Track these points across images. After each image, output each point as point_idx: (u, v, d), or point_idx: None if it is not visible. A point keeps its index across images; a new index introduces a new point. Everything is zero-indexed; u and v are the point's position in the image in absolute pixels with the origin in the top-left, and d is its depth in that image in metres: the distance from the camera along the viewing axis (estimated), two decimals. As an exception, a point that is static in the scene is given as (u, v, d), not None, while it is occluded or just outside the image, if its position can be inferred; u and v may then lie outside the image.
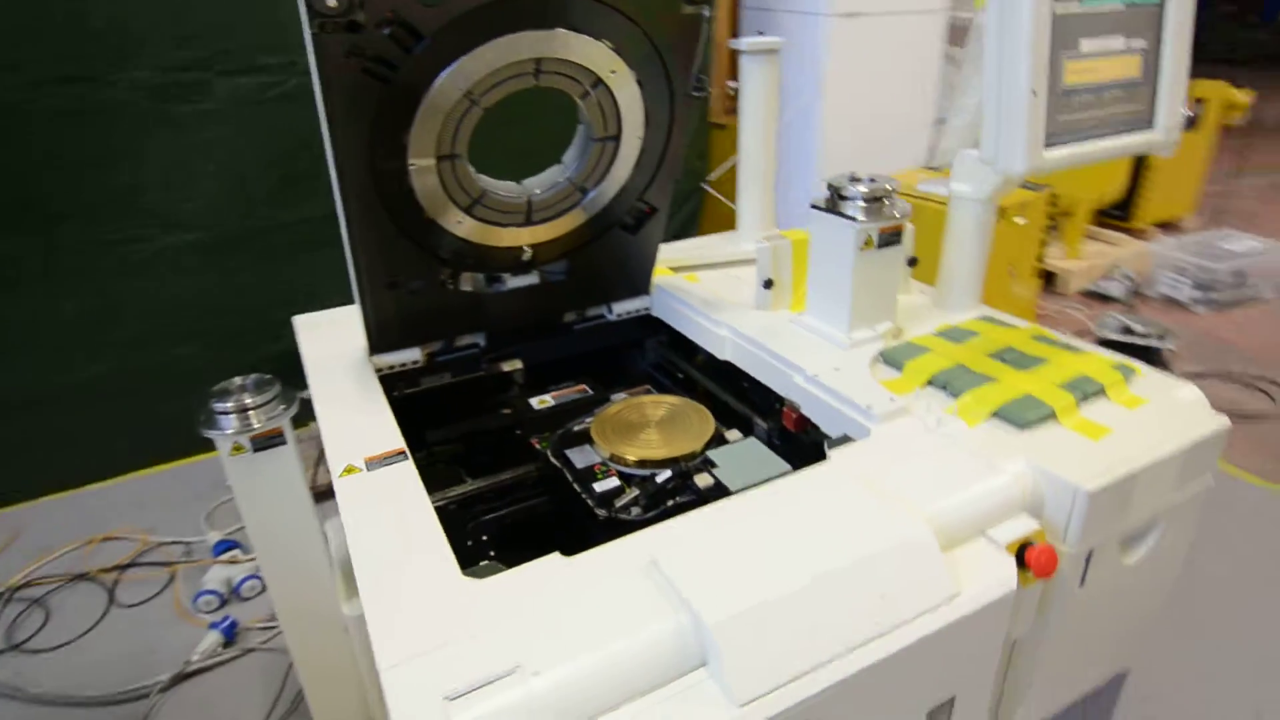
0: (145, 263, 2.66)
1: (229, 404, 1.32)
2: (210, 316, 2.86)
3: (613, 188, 1.39)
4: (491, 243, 1.35)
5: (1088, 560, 1.03)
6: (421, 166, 1.17)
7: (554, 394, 1.55)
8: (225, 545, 2.49)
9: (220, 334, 2.90)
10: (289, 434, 1.39)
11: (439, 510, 1.33)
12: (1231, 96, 4.77)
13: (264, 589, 2.36)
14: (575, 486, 1.28)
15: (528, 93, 1.22)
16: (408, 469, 1.07)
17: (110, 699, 1.98)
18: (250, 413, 1.34)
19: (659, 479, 1.25)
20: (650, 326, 1.72)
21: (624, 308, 1.66)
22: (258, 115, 2.62)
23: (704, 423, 1.37)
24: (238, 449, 1.36)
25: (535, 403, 1.52)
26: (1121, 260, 4.27)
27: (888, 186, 1.28)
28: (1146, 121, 1.10)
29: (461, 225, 1.29)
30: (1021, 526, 0.96)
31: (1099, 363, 1.20)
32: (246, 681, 2.05)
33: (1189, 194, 5.00)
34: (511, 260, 1.42)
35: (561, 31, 1.13)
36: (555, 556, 0.89)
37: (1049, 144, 1.02)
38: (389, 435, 1.16)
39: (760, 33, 1.76)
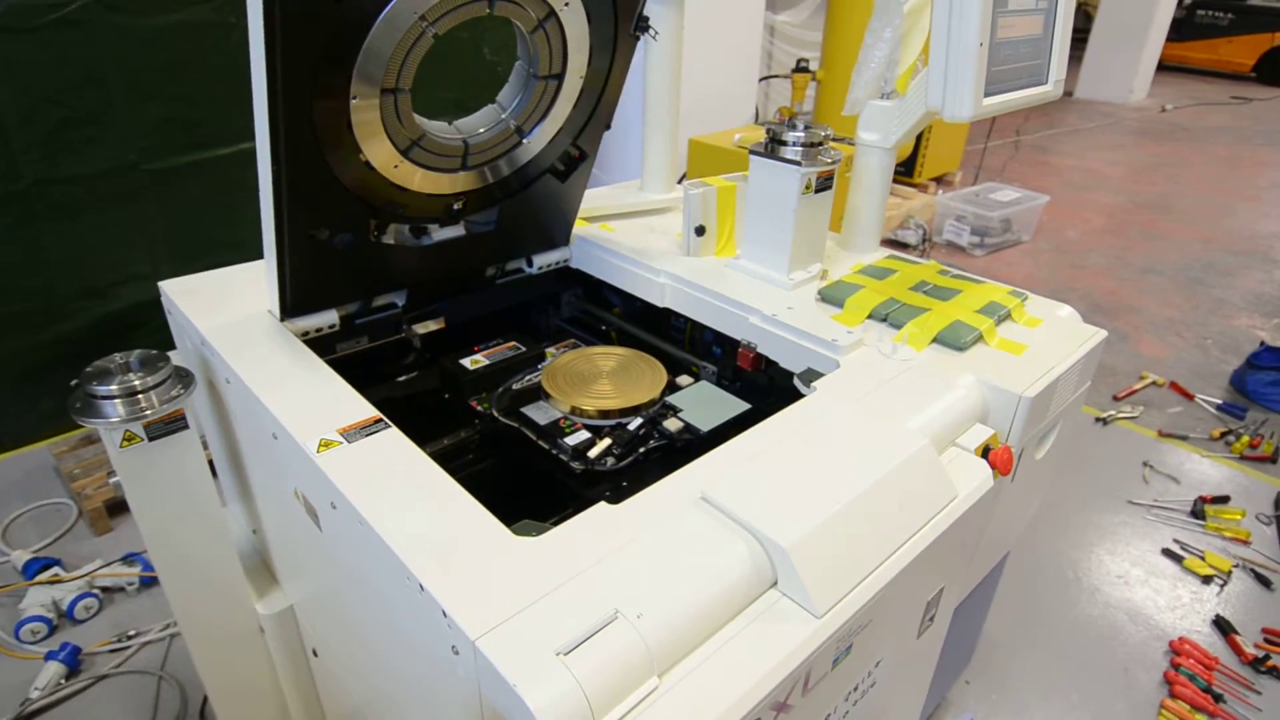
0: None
1: (112, 387, 1.12)
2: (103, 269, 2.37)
3: (550, 130, 1.33)
4: (426, 190, 1.25)
5: (1019, 457, 1.19)
6: (363, 102, 1.04)
7: (485, 353, 1.47)
8: (40, 563, 2.10)
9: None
10: (191, 417, 1.20)
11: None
12: (987, 67, 5.52)
13: (100, 608, 2.03)
14: (543, 443, 1.24)
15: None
16: (396, 436, 0.98)
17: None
18: (141, 395, 1.15)
19: (630, 426, 1.25)
20: (568, 279, 1.68)
21: (544, 259, 1.60)
22: (25, 46, 2.15)
23: (655, 370, 1.38)
24: (130, 439, 1.16)
25: (468, 363, 1.44)
26: (913, 211, 4.83)
27: (822, 133, 1.35)
28: (1042, 76, 1.27)
29: (398, 170, 1.17)
30: (981, 433, 1.09)
31: (999, 291, 1.38)
32: (107, 713, 1.77)
33: (956, 153, 5.74)
34: (442, 209, 1.32)
35: (519, -43, 1.05)
36: (602, 505, 0.87)
37: (986, 93, 1.14)
38: (352, 402, 1.04)
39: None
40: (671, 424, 1.26)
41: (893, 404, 1.08)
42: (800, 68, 4.66)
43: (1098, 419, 2.93)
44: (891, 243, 4.64)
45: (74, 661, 1.84)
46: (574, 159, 1.44)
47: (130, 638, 1.93)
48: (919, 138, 5.25)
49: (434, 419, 1.37)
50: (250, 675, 1.48)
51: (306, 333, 1.29)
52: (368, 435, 0.98)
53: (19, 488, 2.41)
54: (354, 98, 1.04)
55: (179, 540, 1.28)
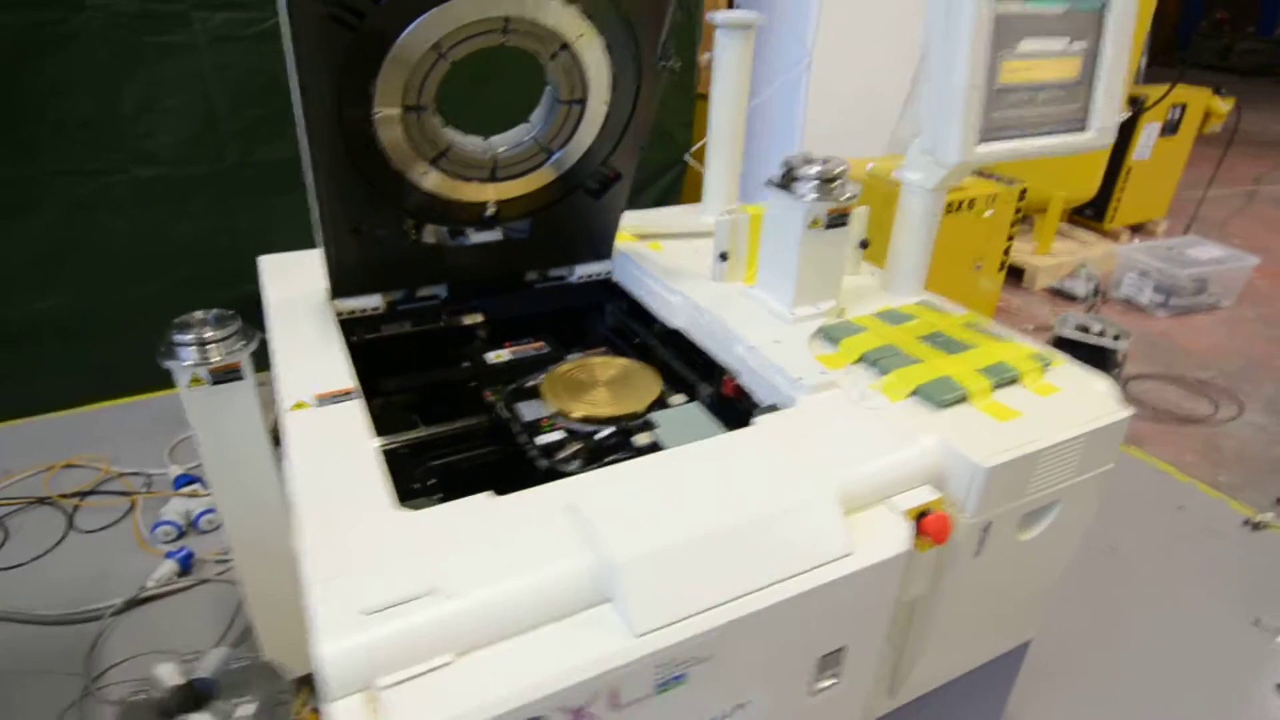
0: (111, 196, 2.65)
1: (189, 336, 1.36)
2: (173, 254, 2.86)
3: (578, 150, 1.43)
4: (456, 196, 1.39)
5: (985, 532, 1.10)
6: (386, 116, 1.20)
7: (511, 349, 1.60)
8: (186, 479, 2.53)
9: (181, 272, 2.90)
10: (247, 370, 1.43)
11: (392, 453, 1.39)
12: (1212, 104, 4.85)
13: (220, 525, 2.41)
14: (520, 438, 1.34)
15: (501, 50, 1.25)
16: (355, 407, 1.12)
17: (63, 619, 2.03)
18: (210, 346, 1.38)
19: (599, 436, 1.31)
20: (611, 291, 1.77)
21: (586, 270, 1.70)
22: (234, 52, 2.60)
23: (650, 385, 1.43)
24: (196, 381, 1.40)
25: (491, 356, 1.57)
26: (1089, 260, 4.37)
27: (839, 169, 1.33)
28: (1080, 122, 1.16)
29: (426, 177, 1.33)
30: (923, 496, 1.04)
31: (1020, 352, 1.28)
32: (198, 610, 2.10)
33: (1163, 198, 5.10)
34: (475, 215, 1.45)
35: (530, -7, 1.16)
36: (487, 495, 0.95)
37: (983, 139, 1.07)
38: (341, 375, 1.20)
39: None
40: (641, 438, 1.31)
41: (826, 449, 1.05)
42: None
43: (1247, 521, 2.51)
44: (1056, 293, 4.24)
45: (187, 564, 2.21)
46: (608, 178, 1.52)
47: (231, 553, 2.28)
48: (1113, 178, 4.74)
49: (457, 404, 1.51)
50: (286, 599, 1.71)
51: (353, 312, 1.48)
52: (336, 403, 1.13)
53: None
54: (377, 113, 1.20)
55: (233, 475, 1.52)
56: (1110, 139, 1.19)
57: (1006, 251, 3.26)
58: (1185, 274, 3.88)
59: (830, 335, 1.35)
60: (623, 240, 1.76)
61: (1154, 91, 4.55)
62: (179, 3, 2.46)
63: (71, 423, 2.86)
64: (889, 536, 0.98)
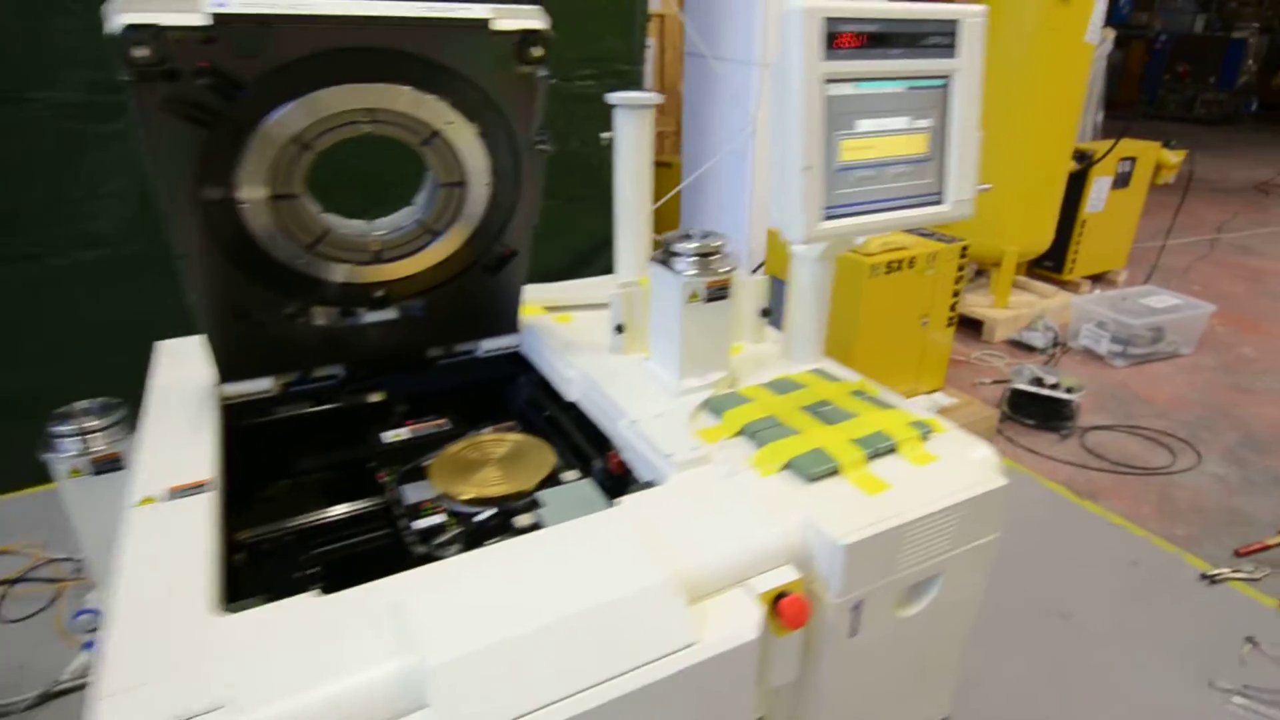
0: (56, 278, 2.67)
1: (69, 427, 1.35)
2: (120, 333, 2.86)
3: (465, 231, 1.44)
4: (339, 280, 1.39)
5: (857, 610, 1.07)
6: (254, 205, 1.21)
7: (411, 427, 1.58)
8: (117, 563, 2.47)
9: (128, 352, 2.90)
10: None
11: (276, 541, 1.36)
12: (1162, 157, 4.96)
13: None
14: (400, 522, 1.31)
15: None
16: (206, 501, 1.09)
17: (-31, 716, 1.95)
18: (90, 436, 1.37)
19: (479, 518, 1.28)
20: (521, 364, 1.76)
21: (493, 345, 1.70)
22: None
23: (542, 462, 1.41)
24: (75, 472, 1.38)
25: (389, 436, 1.55)
26: (1047, 311, 4.39)
27: (716, 244, 1.34)
28: (936, 196, 1.17)
29: (304, 262, 1.33)
30: (782, 576, 1.01)
31: (900, 420, 1.26)
32: (113, 703, 2.02)
33: (1121, 249, 5.16)
34: (364, 297, 1.46)
35: (392, 86, 1.18)
36: (313, 593, 0.91)
37: (828, 216, 1.08)
38: (202, 465, 1.18)
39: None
40: (523, 519, 1.28)
41: (683, 530, 1.03)
42: (923, 157, 4.48)
43: (1204, 575, 2.46)
44: (1016, 345, 4.25)
45: (106, 654, 2.14)
46: (504, 256, 1.53)
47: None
48: (1068, 230, 4.81)
49: (350, 487, 1.48)
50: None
51: (242, 396, 1.47)
52: (189, 495, 1.11)
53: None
54: (243, 203, 1.21)
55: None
56: (969, 211, 1.20)
57: (953, 307, 3.28)
58: (1140, 323, 3.90)
59: (715, 407, 1.33)
60: (530, 313, 1.77)
61: (1102, 146, 4.66)
62: (117, 93, 2.52)
63: (10, 507, 2.81)
64: (739, 622, 0.94)
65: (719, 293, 1.36)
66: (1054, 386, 3.39)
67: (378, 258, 1.41)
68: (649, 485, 1.19)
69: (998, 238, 4.25)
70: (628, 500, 1.11)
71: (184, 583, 0.93)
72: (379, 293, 1.46)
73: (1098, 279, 5.15)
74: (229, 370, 1.43)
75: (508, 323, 1.69)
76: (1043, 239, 4.35)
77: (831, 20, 0.98)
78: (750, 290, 1.62)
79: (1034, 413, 3.42)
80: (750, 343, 1.64)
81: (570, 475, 1.41)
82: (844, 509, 1.07)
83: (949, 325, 3.33)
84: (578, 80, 3.17)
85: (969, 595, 1.21)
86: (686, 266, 1.33)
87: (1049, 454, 3.20)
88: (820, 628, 1.06)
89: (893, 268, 3.00)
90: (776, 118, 1.03)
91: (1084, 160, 4.62)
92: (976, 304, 4.45)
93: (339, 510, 1.44)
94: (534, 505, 1.30)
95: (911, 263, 3.05)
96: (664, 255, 1.36)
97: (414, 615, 0.84)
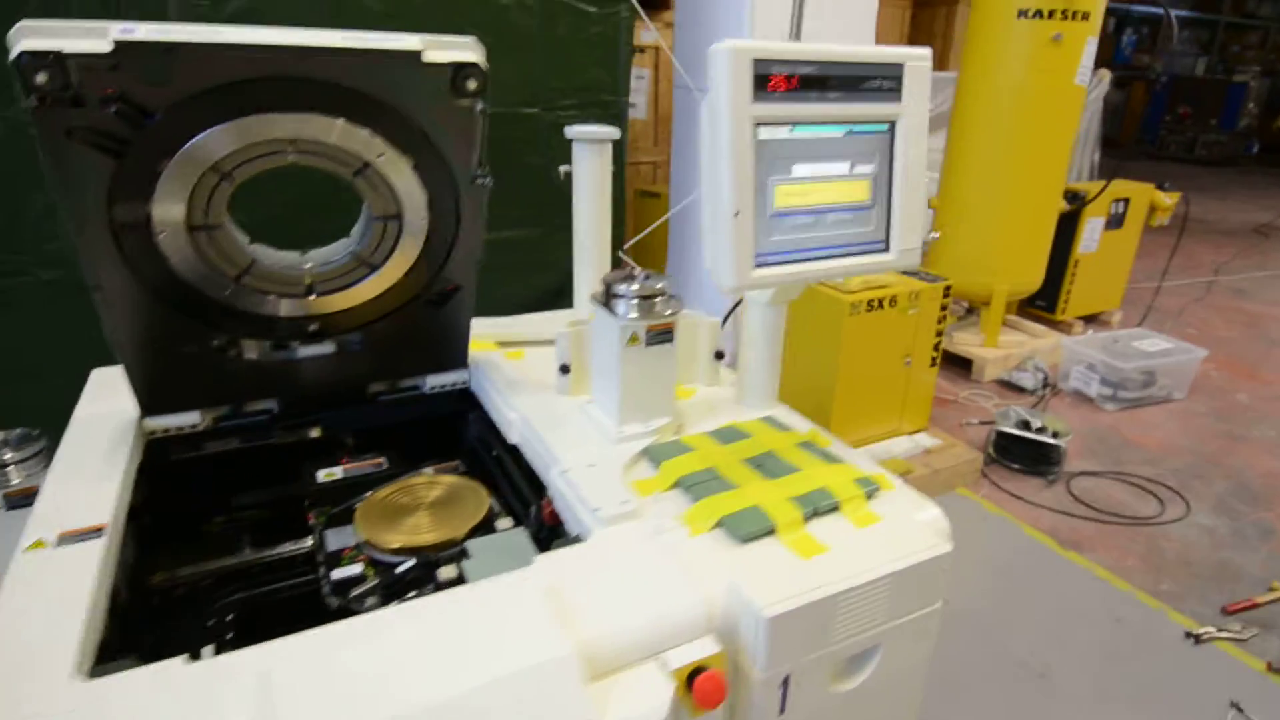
0: (16, 298, 2.60)
1: (-20, 460, 1.28)
2: (63, 357, 2.78)
3: (403, 264, 1.39)
4: (268, 313, 1.34)
5: (784, 686, 0.99)
6: (171, 236, 1.16)
7: (345, 466, 1.51)
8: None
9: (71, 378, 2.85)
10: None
11: (190, 585, 1.29)
12: (1156, 198, 4.93)
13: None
14: (319, 570, 1.24)
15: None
16: (96, 548, 1.03)
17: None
18: (5, 469, 1.30)
19: (400, 569, 1.21)
20: (470, 401, 1.70)
21: (440, 380, 1.64)
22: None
23: (476, 508, 1.34)
24: (-13, 507, 1.32)
25: (323, 475, 1.48)
26: (1038, 351, 4.33)
27: (660, 285, 1.29)
28: (881, 244, 1.12)
29: (230, 294, 1.28)
30: (700, 650, 0.93)
31: (845, 476, 1.19)
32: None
33: (1115, 290, 5.11)
34: (297, 330, 1.40)
35: (316, 116, 1.14)
36: (178, 660, 0.84)
37: (761, 263, 1.03)
38: (102, 508, 1.12)
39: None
40: (447, 571, 1.21)
41: (597, 596, 0.96)
42: (913, 193, 4.45)
43: (1189, 634, 2.36)
44: (1006, 385, 4.18)
45: None
46: (447, 291, 1.48)
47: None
48: (1061, 270, 4.76)
49: (278, 529, 1.42)
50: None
51: (166, 430, 1.41)
52: (81, 541, 1.04)
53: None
54: (160, 233, 1.16)
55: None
56: (916, 260, 1.14)
57: (937, 346, 3.22)
58: (1130, 367, 3.83)
59: (654, 456, 1.27)
60: (481, 348, 1.71)
61: (1094, 187, 4.63)
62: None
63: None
64: (647, 702, 0.87)
65: (661, 336, 1.30)
66: (1040, 430, 3.31)
67: (310, 291, 1.35)
68: (575, 540, 1.12)
69: (988, 276, 4.21)
70: (543, 559, 1.04)
71: (50, 642, 0.86)
72: (313, 326, 1.41)
73: (1091, 320, 5.09)
74: (152, 403, 1.37)
75: (454, 358, 1.63)
76: (1033, 278, 4.30)
77: (761, 62, 0.93)
78: (705, 332, 1.56)
79: (1020, 456, 3.34)
80: (705, 385, 1.58)
81: (504, 524, 1.35)
82: (774, 575, 1.00)
83: (933, 365, 3.26)
84: (561, 110, 3.15)
85: (912, 667, 1.13)
86: (628, 309, 1.27)
87: (1034, 500, 3.11)
88: (745, 705, 0.98)
89: (873, 306, 2.94)
90: (707, 160, 0.98)
91: (1076, 200, 4.59)
92: (966, 342, 4.39)
93: (262, 554, 1.37)
94: (463, 555, 1.24)
95: (893, 301, 2.99)
96: (605, 296, 1.30)
97: (280, 692, 0.77)
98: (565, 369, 1.49)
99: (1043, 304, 5.00)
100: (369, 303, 1.42)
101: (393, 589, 1.20)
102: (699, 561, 1.03)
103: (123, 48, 0.97)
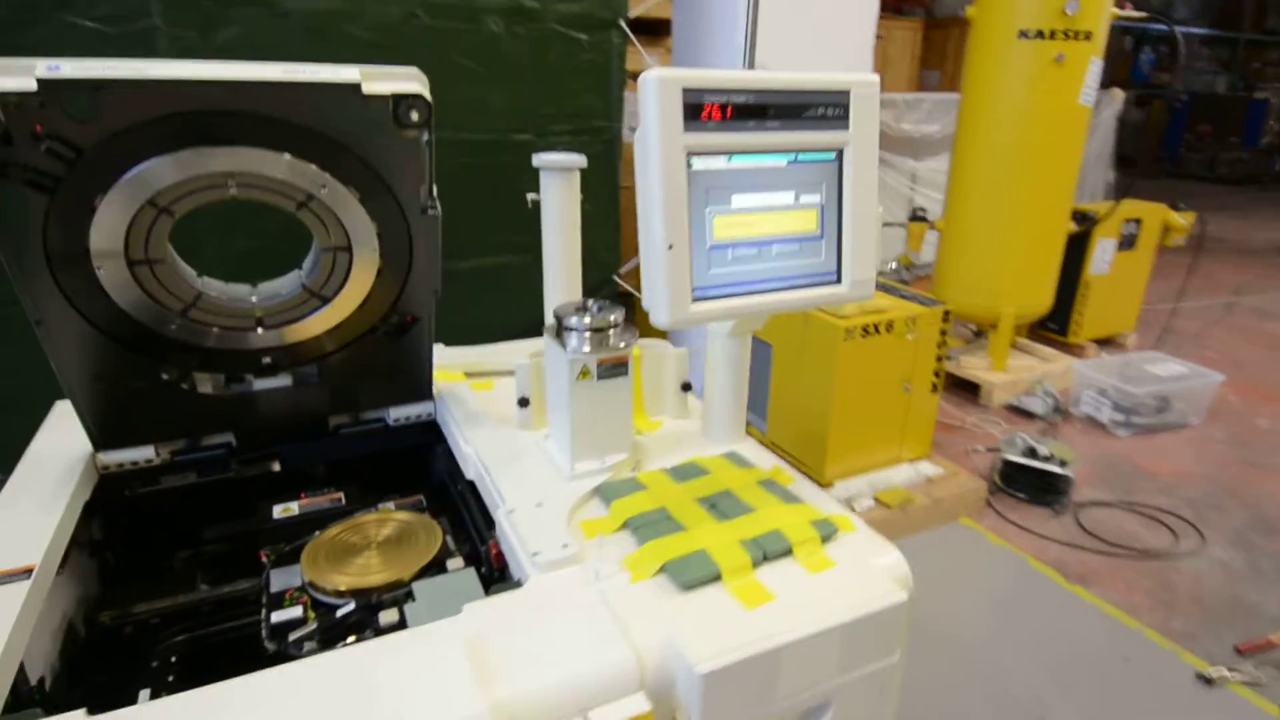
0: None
1: (-70, 495, 1.27)
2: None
3: (357, 296, 1.36)
4: (218, 346, 1.32)
5: (724, 746, 0.94)
6: (110, 271, 1.15)
7: (301, 502, 1.48)
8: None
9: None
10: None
11: (138, 624, 1.26)
12: (1169, 218, 4.82)
13: None
14: (262, 612, 1.20)
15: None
16: (19, 592, 1.00)
17: None
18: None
19: (340, 612, 1.17)
20: (436, 434, 1.66)
21: (404, 413, 1.61)
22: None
23: (427, 547, 1.30)
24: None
25: (278, 510, 1.45)
26: (1048, 376, 4.22)
27: (613, 318, 1.25)
28: (833, 275, 1.07)
29: (176, 328, 1.26)
30: (629, 708, 0.88)
31: (802, 518, 1.14)
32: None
33: (1129, 311, 4.99)
34: (250, 363, 1.38)
35: (254, 150, 1.12)
36: (80, 713, 0.81)
37: (700, 297, 0.98)
38: (34, 548, 1.09)
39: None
40: (389, 615, 1.17)
41: (524, 649, 0.91)
42: (916, 216, 4.40)
43: (1200, 675, 2.25)
44: (1015, 410, 4.08)
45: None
46: (406, 322, 1.45)
47: None
48: (1072, 292, 4.67)
49: (232, 566, 1.39)
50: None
51: (121, 465, 1.39)
52: (5, 584, 1.01)
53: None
54: (99, 268, 1.14)
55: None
56: (870, 292, 1.09)
57: (938, 372, 3.14)
58: (1143, 391, 3.72)
59: (606, 495, 1.22)
60: (448, 379, 1.68)
61: (1104, 208, 4.54)
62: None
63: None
64: (566, 764, 0.82)
65: (615, 370, 1.26)
66: (1048, 459, 3.21)
67: (260, 324, 1.33)
68: (516, 585, 1.08)
69: (994, 299, 4.13)
70: (472, 608, 0.99)
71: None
72: (266, 360, 1.38)
73: (1105, 343, 4.97)
74: (104, 438, 1.35)
75: (417, 390, 1.60)
76: (1041, 301, 4.21)
77: (691, 90, 0.90)
78: (672, 363, 1.52)
79: (1026, 486, 3.24)
80: (672, 418, 1.54)
81: (455, 564, 1.30)
82: (713, 625, 0.95)
83: (934, 391, 3.18)
84: (553, 136, 3.15)
85: (871, 722, 1.07)
86: (580, 342, 1.24)
87: (1041, 531, 3.01)
88: (679, 765, 0.92)
89: (869, 331, 2.88)
90: (640, 191, 0.94)
91: (1085, 221, 4.50)
92: (974, 367, 4.30)
93: (212, 593, 1.34)
94: (409, 597, 1.19)
95: (890, 326, 2.93)
96: (556, 329, 1.27)
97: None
98: (524, 402, 1.45)
99: (1054, 327, 4.90)
100: (323, 335, 1.39)
101: (331, 633, 1.16)
102: (636, 611, 0.98)
103: (47, 85, 0.95)
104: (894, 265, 4.52)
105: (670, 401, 1.53)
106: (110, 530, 1.41)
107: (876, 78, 1.01)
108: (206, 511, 1.48)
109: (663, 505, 1.17)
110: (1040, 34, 3.63)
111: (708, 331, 1.37)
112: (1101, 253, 4.62)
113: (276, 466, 1.53)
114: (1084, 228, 4.50)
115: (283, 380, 1.44)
